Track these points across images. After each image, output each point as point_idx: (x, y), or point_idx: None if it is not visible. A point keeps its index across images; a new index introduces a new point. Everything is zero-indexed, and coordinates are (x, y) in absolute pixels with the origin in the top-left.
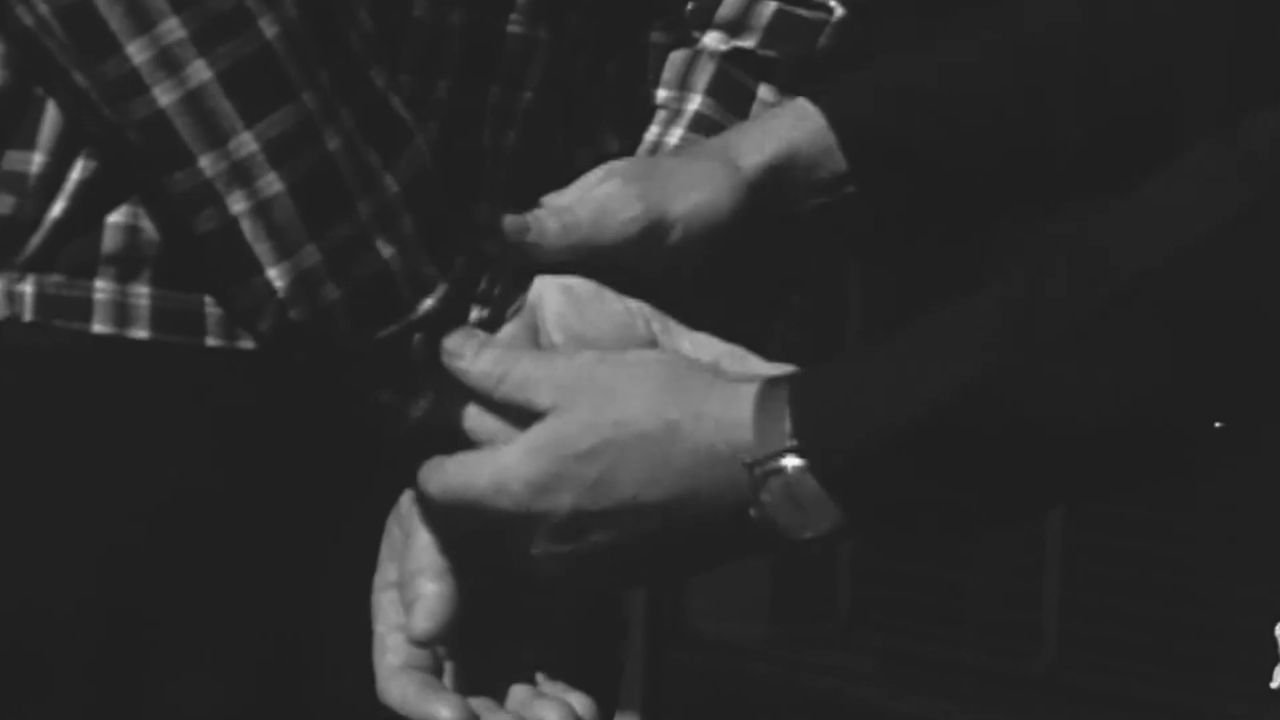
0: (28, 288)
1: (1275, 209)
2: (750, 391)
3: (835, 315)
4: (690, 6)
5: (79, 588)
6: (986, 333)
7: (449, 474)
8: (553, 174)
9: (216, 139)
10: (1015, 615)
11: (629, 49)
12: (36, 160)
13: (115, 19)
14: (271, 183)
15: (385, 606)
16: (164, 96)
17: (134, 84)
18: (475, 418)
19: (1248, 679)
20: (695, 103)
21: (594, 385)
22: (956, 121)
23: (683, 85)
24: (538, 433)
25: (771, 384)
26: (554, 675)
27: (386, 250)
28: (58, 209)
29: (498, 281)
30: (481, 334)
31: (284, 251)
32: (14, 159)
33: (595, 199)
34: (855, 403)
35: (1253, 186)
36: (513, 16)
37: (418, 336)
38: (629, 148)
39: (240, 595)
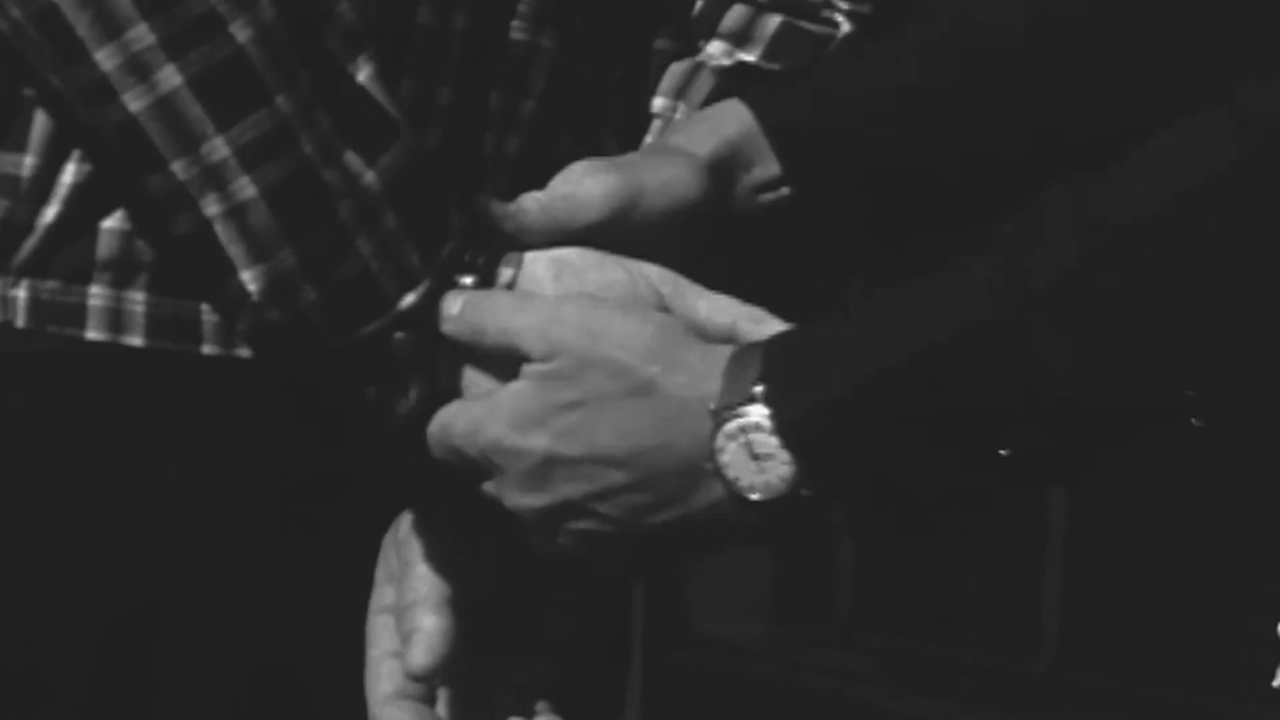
0: (21, 293)
1: (1264, 166)
2: (729, 350)
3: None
4: (695, 13)
5: (76, 593)
6: (967, 294)
7: (441, 414)
8: None
9: (188, 144)
10: (1015, 615)
11: (633, 55)
12: (28, 163)
13: (83, 25)
14: (244, 187)
15: (380, 631)
16: (134, 103)
17: (104, 90)
18: (470, 377)
19: (1248, 679)
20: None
21: (582, 335)
22: (897, 123)
23: (679, 96)
24: (522, 380)
25: (751, 343)
26: (553, 699)
27: (366, 249)
28: (51, 213)
29: (482, 253)
30: (468, 285)
31: (259, 255)
32: (5, 161)
33: (572, 179)
34: (824, 356)
35: (1243, 144)
36: (516, 23)
37: (399, 335)
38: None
39: (236, 602)
